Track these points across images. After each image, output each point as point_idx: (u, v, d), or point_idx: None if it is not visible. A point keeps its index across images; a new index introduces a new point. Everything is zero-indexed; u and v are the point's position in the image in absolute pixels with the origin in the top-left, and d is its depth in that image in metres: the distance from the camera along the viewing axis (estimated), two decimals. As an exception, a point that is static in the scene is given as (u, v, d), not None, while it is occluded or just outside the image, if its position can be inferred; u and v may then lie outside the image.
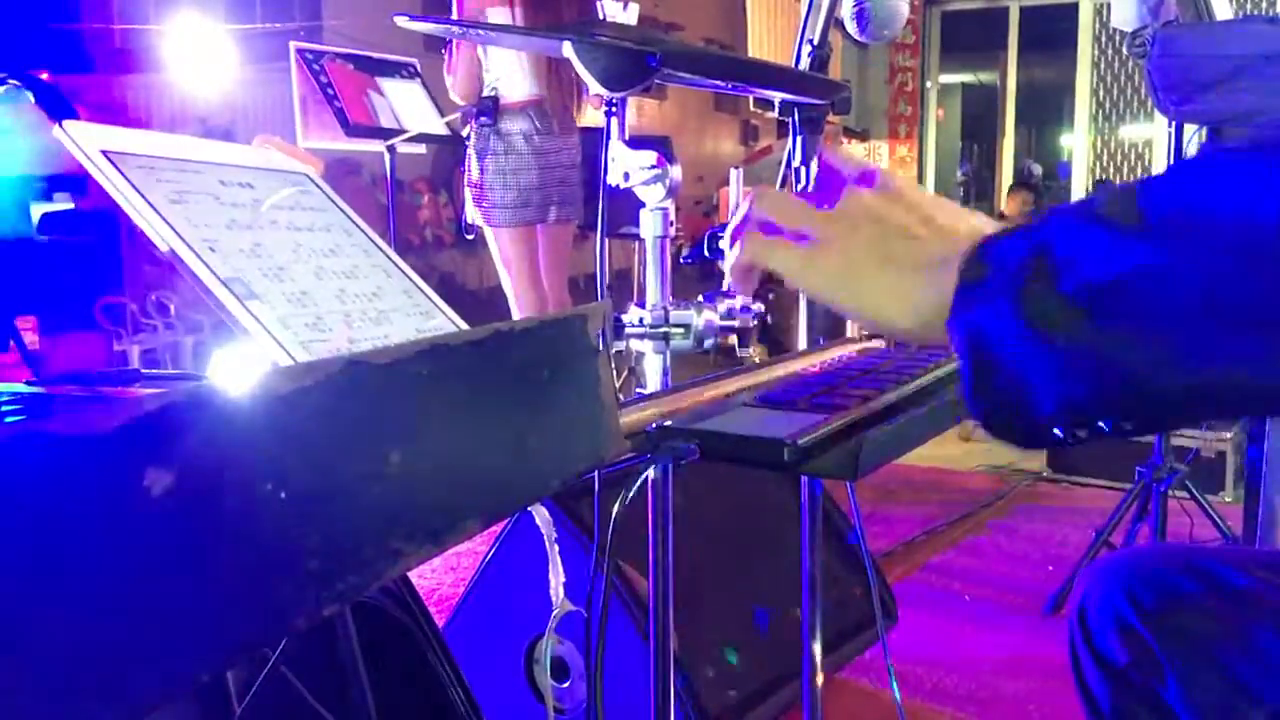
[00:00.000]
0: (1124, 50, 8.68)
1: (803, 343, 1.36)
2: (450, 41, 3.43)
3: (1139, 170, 8.91)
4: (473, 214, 3.41)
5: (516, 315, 3.42)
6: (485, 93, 3.32)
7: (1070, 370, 0.54)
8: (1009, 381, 0.56)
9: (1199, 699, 0.85)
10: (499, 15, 3.22)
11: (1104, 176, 8.98)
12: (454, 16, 3.20)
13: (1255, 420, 2.31)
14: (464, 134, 3.47)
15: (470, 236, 3.52)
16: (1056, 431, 0.57)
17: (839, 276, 0.67)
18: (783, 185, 1.38)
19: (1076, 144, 9.06)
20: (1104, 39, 8.73)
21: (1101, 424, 0.56)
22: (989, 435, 0.59)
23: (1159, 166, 8.75)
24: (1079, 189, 9.10)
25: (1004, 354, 0.56)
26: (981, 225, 0.65)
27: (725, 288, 0.95)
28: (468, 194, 3.43)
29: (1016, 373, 0.55)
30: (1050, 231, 0.56)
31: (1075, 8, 8.83)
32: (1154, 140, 8.84)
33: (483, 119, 3.29)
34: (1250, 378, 0.51)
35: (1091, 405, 0.55)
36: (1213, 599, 0.88)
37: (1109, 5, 8.60)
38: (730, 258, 0.72)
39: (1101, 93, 8.85)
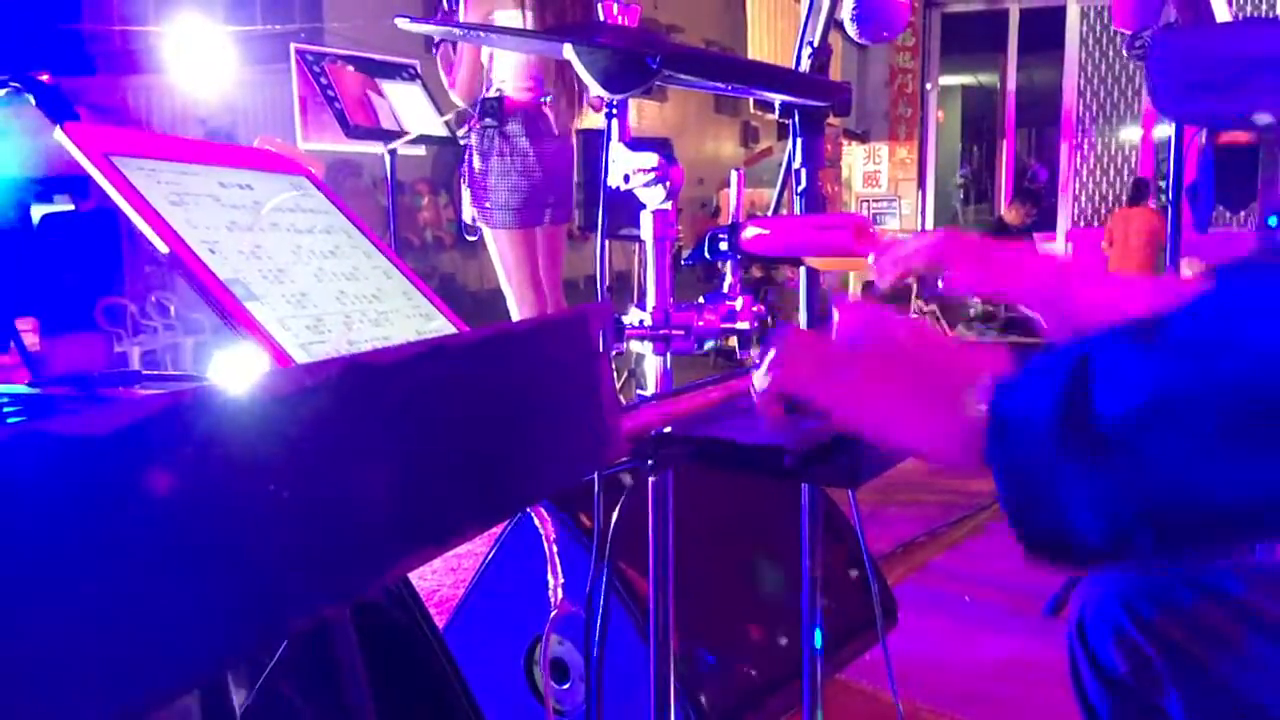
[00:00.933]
0: (1110, 54, 8.68)
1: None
2: (439, 46, 3.43)
3: (1125, 174, 8.91)
4: (470, 214, 3.41)
5: (516, 316, 3.42)
6: (490, 94, 3.32)
7: (1111, 496, 0.54)
8: (1051, 514, 0.57)
9: (1198, 709, 0.85)
10: (507, 17, 3.23)
11: (1088, 182, 8.99)
12: (460, 17, 3.20)
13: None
14: (460, 135, 3.46)
15: (472, 238, 3.52)
16: (1100, 557, 0.57)
17: (871, 412, 0.68)
18: (782, 188, 1.38)
19: (1063, 148, 9.07)
20: (1090, 42, 8.74)
21: (1144, 546, 0.56)
22: (1038, 562, 0.60)
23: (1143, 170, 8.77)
24: (1065, 196, 9.11)
25: (1043, 487, 0.57)
26: (1002, 359, 0.66)
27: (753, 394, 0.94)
28: (466, 194, 3.43)
29: (1057, 506, 0.56)
30: (1086, 358, 0.56)
31: (1065, 10, 8.84)
32: (1140, 144, 8.85)
33: (487, 120, 3.29)
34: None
35: (1135, 527, 0.55)
36: (1211, 609, 0.88)
37: (1098, 7, 8.60)
38: (762, 385, 0.73)
39: (1089, 95, 8.86)
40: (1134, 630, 0.90)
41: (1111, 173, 8.95)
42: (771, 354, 0.73)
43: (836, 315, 0.81)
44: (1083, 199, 9.06)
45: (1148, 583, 0.91)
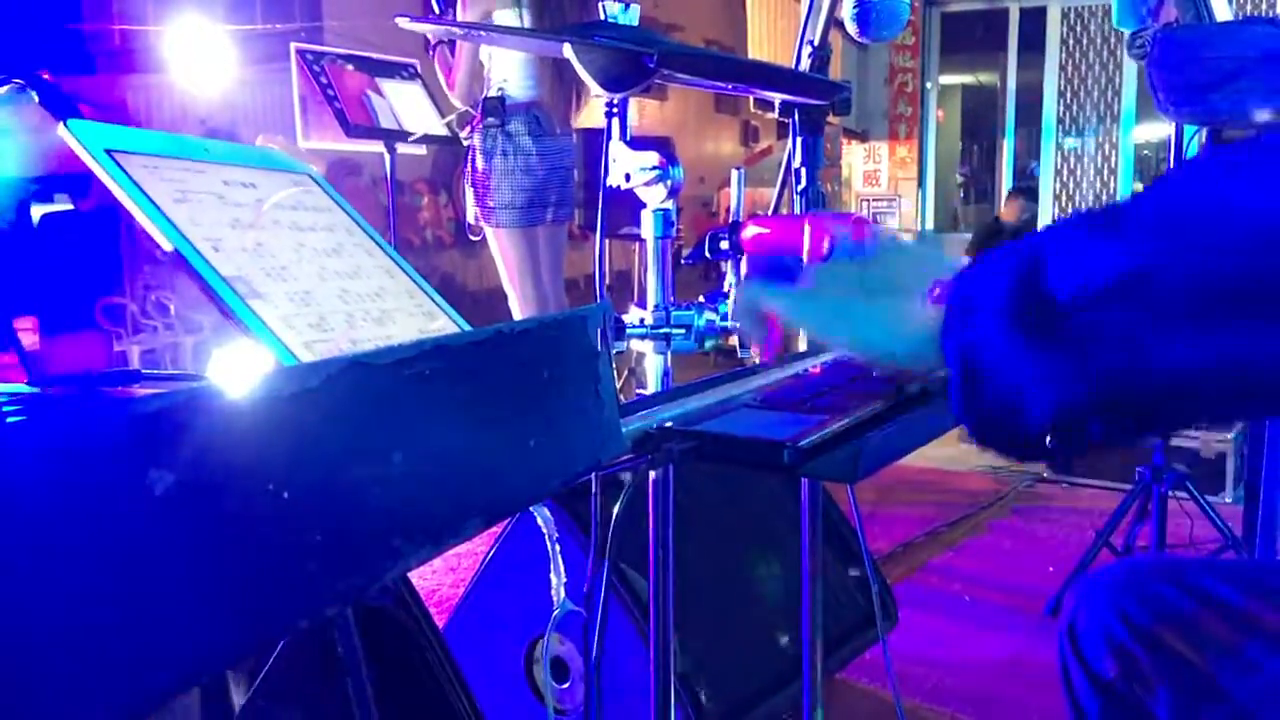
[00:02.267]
0: (1090, 55, 8.68)
1: (803, 344, 1.36)
2: (435, 49, 3.44)
3: (1105, 175, 8.92)
4: (474, 214, 3.41)
5: (518, 315, 3.42)
6: (491, 93, 3.33)
7: (1061, 375, 0.54)
8: (1000, 391, 0.56)
9: (1189, 714, 0.85)
10: (505, 16, 3.23)
11: (1069, 182, 9.00)
12: (458, 17, 3.20)
13: (1255, 423, 2.32)
14: (463, 136, 3.47)
15: (476, 238, 3.52)
16: (1048, 440, 0.57)
17: (830, 310, 0.70)
18: (782, 187, 1.38)
19: (1044, 149, 9.08)
20: (1071, 43, 8.75)
21: (1093, 428, 0.56)
22: (981, 447, 0.60)
23: (1122, 174, 8.78)
24: (1045, 195, 9.12)
25: (995, 364, 0.56)
26: (963, 263, 0.67)
27: (733, 326, 0.96)
28: (469, 194, 3.43)
29: (1008, 382, 0.56)
30: (1039, 246, 0.56)
31: (1045, 11, 8.84)
32: (1119, 145, 8.86)
33: (490, 119, 3.30)
34: (1235, 369, 0.51)
35: (1082, 408, 0.55)
36: (1203, 614, 0.88)
37: (1079, 9, 8.59)
38: (731, 304, 0.77)
39: (1069, 96, 8.86)
40: (1125, 634, 0.90)
41: (1091, 174, 8.94)
42: (743, 273, 0.76)
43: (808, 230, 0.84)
44: (1063, 199, 9.06)
45: (1140, 588, 0.91)
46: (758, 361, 1.07)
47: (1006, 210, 7.56)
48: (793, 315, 0.73)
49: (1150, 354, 0.52)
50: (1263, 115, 1.99)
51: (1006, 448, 0.59)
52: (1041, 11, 8.92)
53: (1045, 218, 9.06)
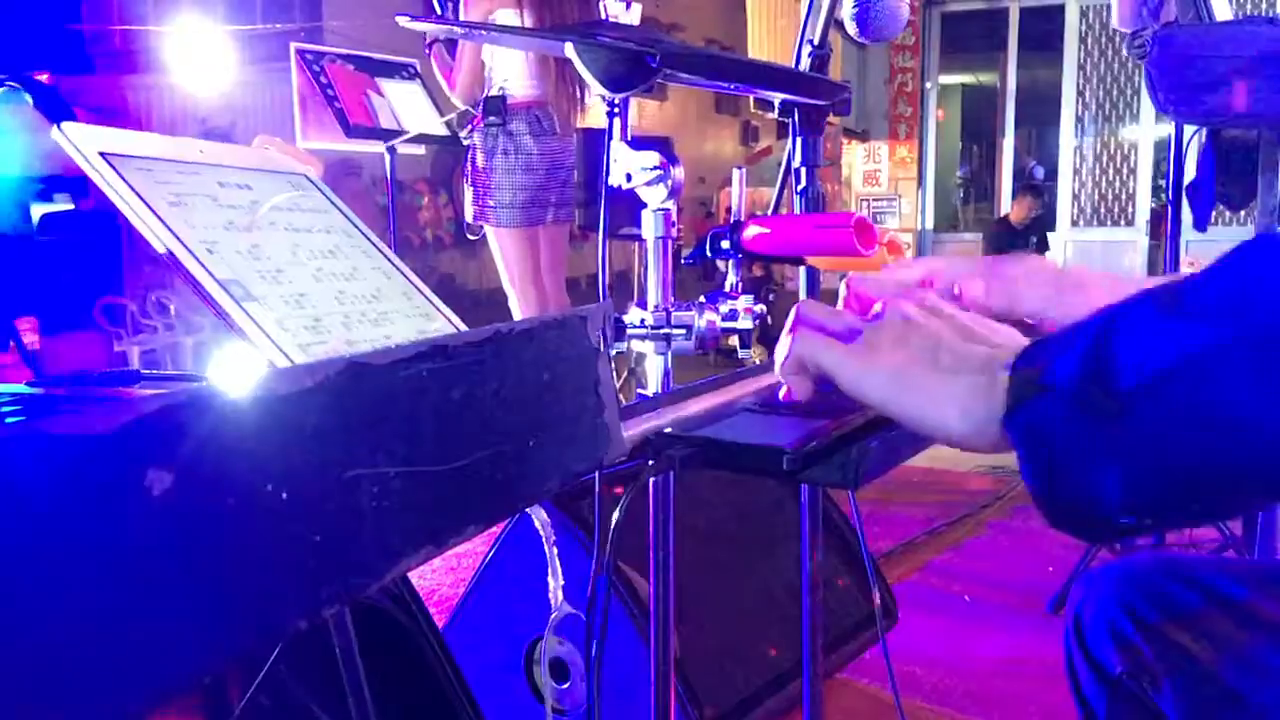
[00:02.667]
0: (1109, 53, 8.69)
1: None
2: (432, 47, 3.44)
3: (1124, 173, 8.91)
4: (472, 213, 3.42)
5: (517, 315, 3.42)
6: (493, 93, 3.33)
7: (1133, 457, 0.54)
8: (1074, 477, 0.56)
9: (1196, 710, 0.85)
10: (506, 16, 3.23)
11: (1087, 181, 9.00)
12: (460, 17, 3.20)
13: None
14: (463, 135, 3.47)
15: (474, 237, 3.53)
16: (1125, 521, 0.57)
17: (890, 381, 0.68)
18: (782, 186, 1.38)
19: (1063, 147, 9.08)
20: (1090, 41, 8.74)
21: (1172, 513, 0.56)
22: (1062, 530, 0.60)
23: (1144, 170, 8.77)
24: (1065, 192, 9.11)
25: (1066, 449, 0.56)
26: (1018, 336, 0.67)
27: (780, 391, 0.96)
28: (469, 193, 3.43)
29: (1080, 467, 0.56)
30: (1108, 325, 0.56)
31: (1064, 9, 8.84)
32: (1139, 143, 8.84)
33: (491, 118, 3.30)
34: None
35: (1157, 491, 0.55)
36: (1209, 610, 0.88)
37: (1097, 7, 8.60)
38: (781, 354, 0.74)
39: (1088, 94, 8.85)
40: (1132, 630, 0.90)
41: (1110, 173, 8.95)
42: (789, 323, 0.74)
43: (845, 289, 0.82)
44: (1081, 199, 9.06)
45: (1146, 583, 0.91)
46: (757, 361, 1.07)
47: (1015, 210, 7.56)
48: (845, 377, 0.70)
49: (1216, 441, 0.52)
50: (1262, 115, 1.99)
51: (1081, 528, 0.60)
52: (1059, 10, 8.93)
53: (1064, 218, 9.07)
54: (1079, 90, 8.85)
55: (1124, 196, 8.89)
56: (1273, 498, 0.62)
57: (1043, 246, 7.39)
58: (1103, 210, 9.00)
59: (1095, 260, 8.45)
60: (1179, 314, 0.54)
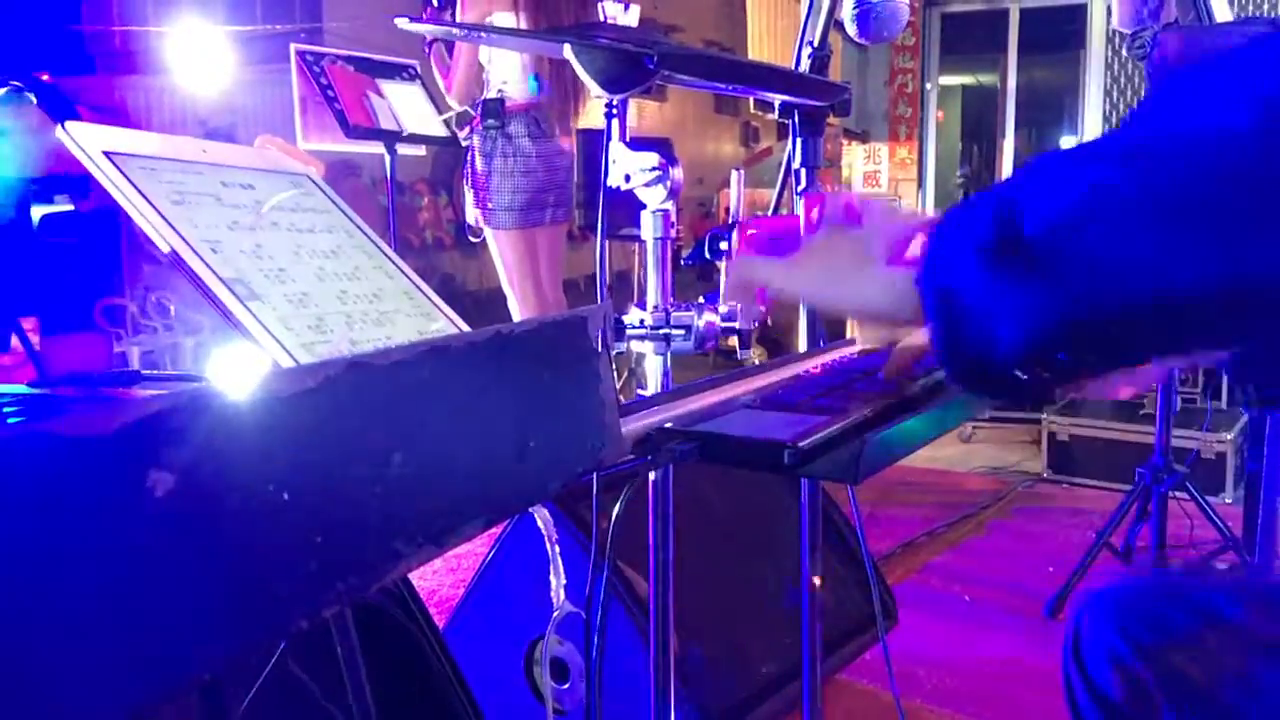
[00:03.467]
0: (1123, 54, 8.68)
1: (803, 344, 1.36)
2: (431, 47, 3.44)
3: None
4: (474, 215, 3.42)
5: (517, 316, 3.43)
6: (491, 95, 3.33)
7: (1032, 305, 0.55)
8: (975, 324, 0.57)
9: None
10: (503, 19, 3.23)
11: None
12: (457, 19, 3.20)
13: (1253, 419, 2.32)
14: (462, 137, 3.47)
15: (476, 239, 3.53)
16: (1019, 373, 0.58)
17: (820, 276, 0.73)
18: (782, 188, 1.38)
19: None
20: (1117, 40, 8.73)
21: (1061, 356, 0.56)
22: (958, 385, 0.62)
23: None
24: None
25: (970, 299, 0.57)
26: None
27: (725, 304, 0.98)
28: (469, 195, 3.44)
29: (982, 314, 0.57)
30: (1015, 185, 0.58)
31: (1077, 9, 8.82)
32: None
33: (490, 121, 3.30)
34: (1199, 288, 0.51)
35: (1052, 336, 0.55)
36: (1208, 634, 0.87)
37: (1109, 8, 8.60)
38: (724, 281, 0.80)
39: (1115, 94, 8.84)
40: (1130, 655, 0.89)
41: None
42: (736, 249, 0.79)
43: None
44: None
45: (1144, 607, 0.91)
46: (756, 361, 1.07)
47: None
48: (782, 283, 0.75)
49: (1114, 275, 0.52)
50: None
51: (982, 386, 0.60)
52: (1054, 11, 8.91)
53: None
54: (1106, 90, 8.82)
55: None
56: (1169, 349, 0.63)
57: None
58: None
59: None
60: (1087, 159, 0.55)
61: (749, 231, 1.05)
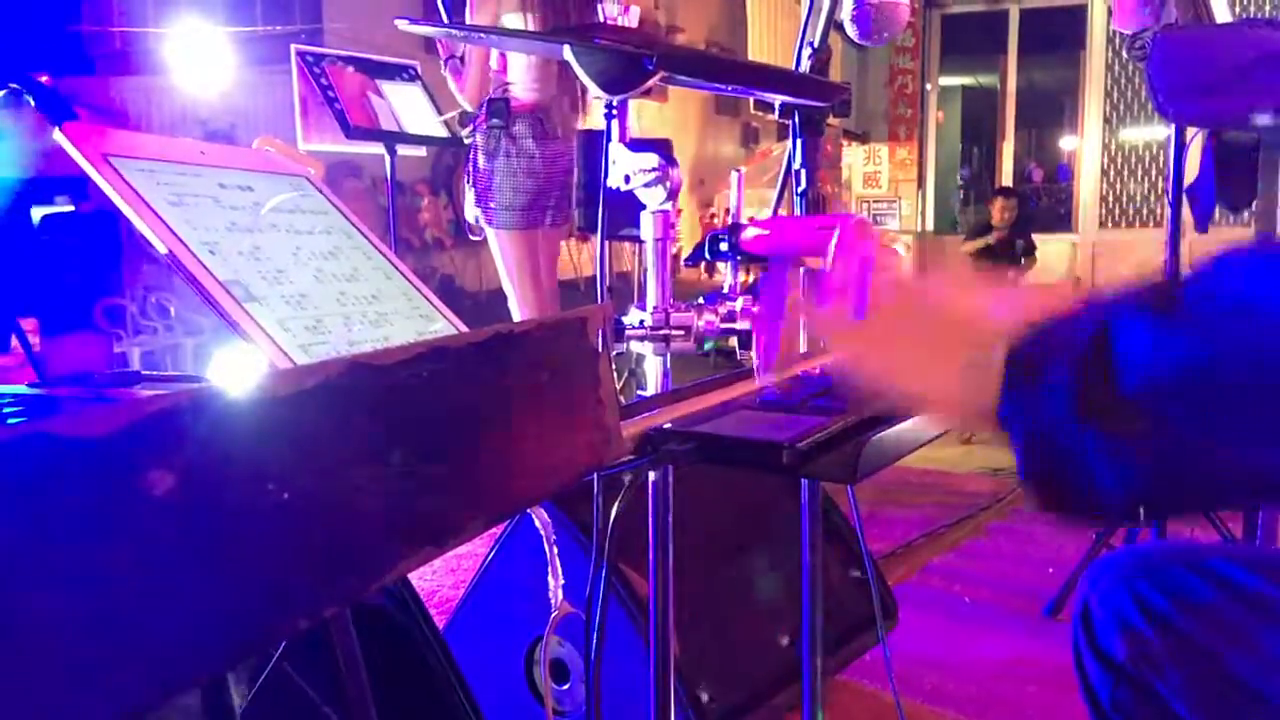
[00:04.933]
0: (1124, 55, 8.65)
1: (803, 345, 1.36)
2: (449, 61, 3.44)
3: (1153, 173, 8.89)
4: (474, 214, 3.42)
5: (517, 317, 3.43)
6: (496, 94, 3.33)
7: (1135, 464, 0.57)
8: (1075, 476, 0.58)
9: (1201, 697, 0.85)
10: (513, 20, 3.24)
11: (1115, 182, 8.97)
12: (468, 20, 3.21)
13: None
14: (464, 135, 3.47)
15: (476, 238, 3.53)
16: (1124, 517, 0.61)
17: (888, 359, 0.70)
18: (782, 189, 1.38)
19: (1087, 146, 9.05)
20: (1118, 41, 8.71)
21: (1166, 511, 0.59)
22: (1057, 518, 0.62)
23: (1174, 173, 8.74)
24: (1089, 191, 9.09)
25: (1067, 447, 0.58)
26: (1011, 321, 0.67)
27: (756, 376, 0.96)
28: (469, 194, 3.43)
29: (1082, 469, 0.58)
30: (1105, 324, 0.58)
31: (1077, 10, 8.82)
32: (1166, 140, 8.81)
33: (494, 120, 3.30)
34: None
35: (1157, 493, 0.58)
36: (1219, 599, 0.87)
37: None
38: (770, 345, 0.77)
39: (1116, 95, 8.83)
40: (1140, 618, 0.89)
41: (1140, 172, 8.92)
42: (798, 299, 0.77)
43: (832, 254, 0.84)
44: (1109, 199, 9.03)
45: (1156, 571, 0.91)
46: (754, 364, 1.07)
47: (993, 212, 7.55)
48: (844, 354, 0.74)
49: (1213, 447, 0.55)
50: (1263, 119, 1.99)
51: (1078, 519, 0.62)
52: (1054, 12, 8.90)
53: (1090, 219, 9.04)
54: (1106, 90, 8.81)
55: (1154, 198, 8.87)
56: (1262, 499, 0.65)
57: (1029, 249, 7.35)
58: (1131, 211, 8.98)
59: (1122, 260, 8.42)
60: (1174, 323, 0.56)
61: (750, 240, 1.05)
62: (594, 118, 3.59)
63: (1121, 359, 0.56)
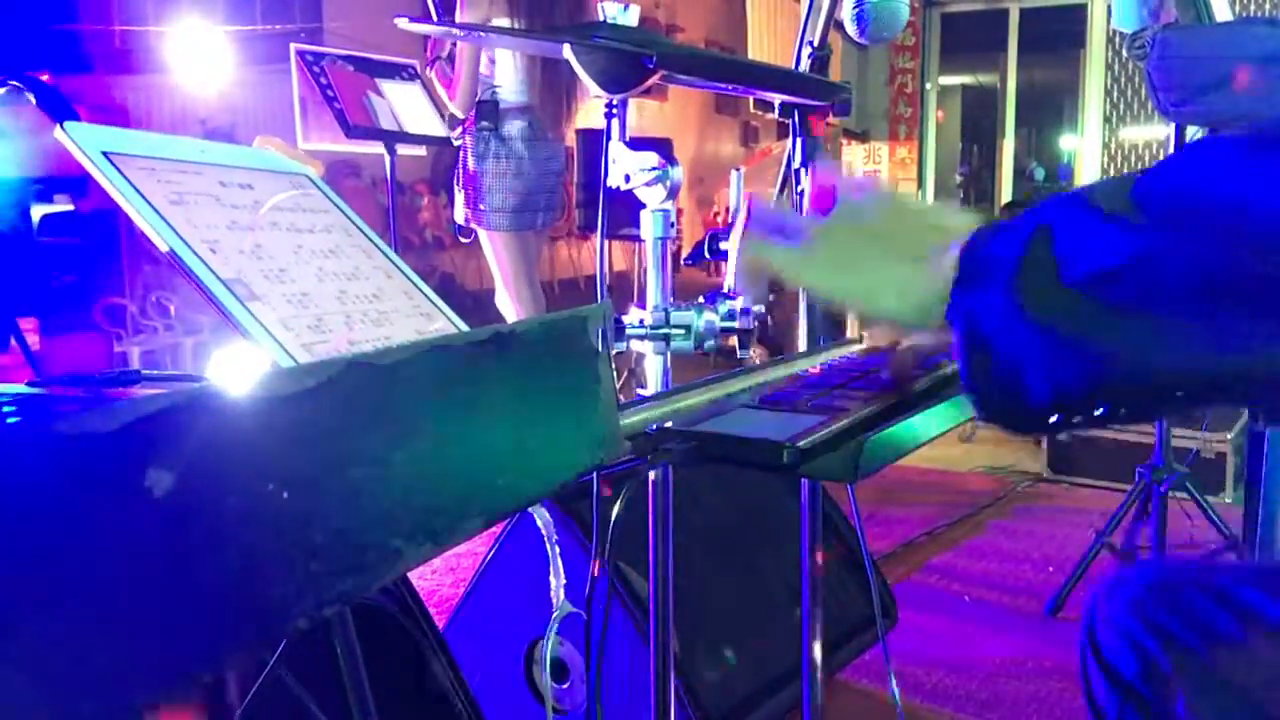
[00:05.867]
0: (1124, 53, 8.65)
1: (803, 344, 1.36)
2: (435, 64, 3.44)
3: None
4: (463, 215, 3.42)
5: (509, 316, 3.43)
6: (485, 97, 3.33)
7: (1067, 357, 0.56)
8: (1005, 369, 0.58)
9: (1207, 715, 0.84)
10: (502, 24, 3.24)
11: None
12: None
13: (1254, 422, 2.32)
14: (453, 137, 3.47)
15: (466, 239, 3.53)
16: (1051, 418, 0.58)
17: (837, 269, 0.71)
18: (783, 187, 1.38)
19: (1088, 145, 9.04)
20: (1118, 40, 8.71)
21: (1096, 410, 0.57)
22: (985, 422, 0.62)
23: None
24: None
25: (1001, 342, 0.58)
26: (971, 221, 0.68)
27: (728, 289, 0.96)
28: (460, 195, 3.44)
29: (1013, 360, 0.57)
30: (1048, 222, 0.57)
31: (1077, 9, 8.81)
32: (1166, 140, 8.80)
33: (483, 123, 3.30)
34: (1240, 360, 0.52)
35: (1087, 391, 0.56)
36: (1229, 619, 0.87)
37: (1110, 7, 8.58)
38: (733, 262, 0.77)
39: (1115, 93, 8.83)
40: (1145, 635, 0.89)
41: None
42: (742, 217, 0.77)
43: (810, 180, 0.85)
44: None
45: (1164, 590, 0.90)
46: (756, 361, 1.07)
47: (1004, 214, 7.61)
48: (795, 274, 0.74)
49: (1151, 341, 0.53)
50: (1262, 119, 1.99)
51: (1007, 420, 0.61)
52: (1054, 11, 8.90)
53: None
54: (1106, 89, 8.81)
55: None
56: (1199, 406, 0.65)
57: None
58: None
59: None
60: (1124, 219, 0.55)
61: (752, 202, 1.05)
62: (593, 117, 3.59)
63: (1064, 251, 0.56)
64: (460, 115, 3.41)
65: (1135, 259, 0.54)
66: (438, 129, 3.59)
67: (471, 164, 3.37)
